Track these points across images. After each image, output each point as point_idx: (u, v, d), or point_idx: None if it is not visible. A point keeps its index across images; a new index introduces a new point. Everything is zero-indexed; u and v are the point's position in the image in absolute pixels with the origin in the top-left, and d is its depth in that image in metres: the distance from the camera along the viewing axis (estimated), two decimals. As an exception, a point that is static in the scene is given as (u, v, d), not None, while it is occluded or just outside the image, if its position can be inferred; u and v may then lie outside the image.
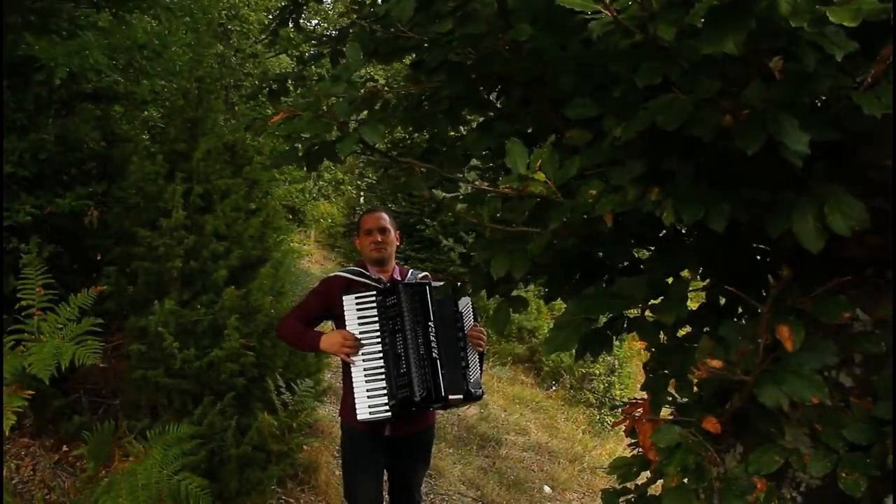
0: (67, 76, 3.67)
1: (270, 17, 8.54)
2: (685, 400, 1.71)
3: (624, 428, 1.75)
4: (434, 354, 2.81)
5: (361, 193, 12.66)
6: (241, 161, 4.25)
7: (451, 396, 2.84)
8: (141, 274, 3.70)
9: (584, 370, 7.74)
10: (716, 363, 1.30)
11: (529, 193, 1.16)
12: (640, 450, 1.73)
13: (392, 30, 1.70)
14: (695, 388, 1.64)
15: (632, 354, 8.32)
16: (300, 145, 1.97)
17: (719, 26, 0.92)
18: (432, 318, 2.85)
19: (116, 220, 3.95)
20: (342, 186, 15.26)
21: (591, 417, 7.39)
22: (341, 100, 1.45)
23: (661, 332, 1.69)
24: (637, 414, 1.71)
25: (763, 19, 0.94)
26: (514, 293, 1.81)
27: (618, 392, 7.76)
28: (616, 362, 7.79)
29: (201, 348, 3.57)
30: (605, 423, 7.36)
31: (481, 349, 3.02)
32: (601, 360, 7.54)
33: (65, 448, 3.66)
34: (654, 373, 1.70)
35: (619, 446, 6.78)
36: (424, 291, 2.88)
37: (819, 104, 1.30)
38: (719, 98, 1.03)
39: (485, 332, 3.04)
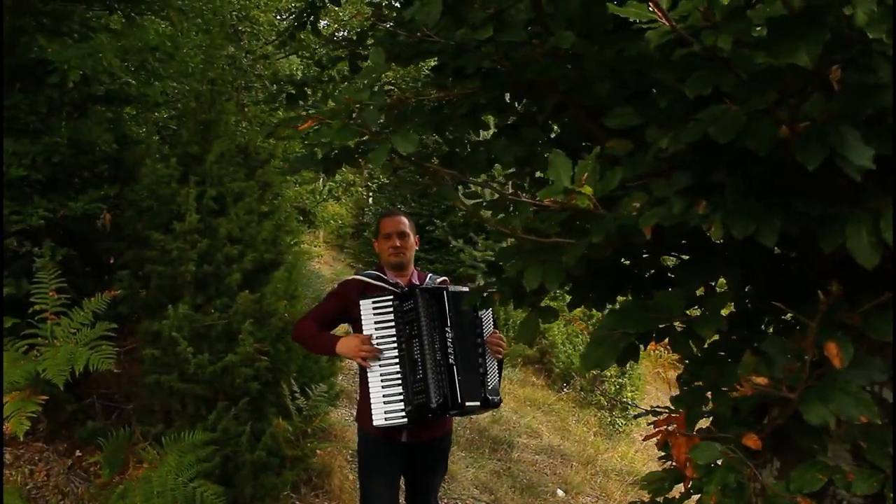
0: (80, 78, 3.64)
1: (279, 18, 8.50)
2: (710, 407, 1.67)
3: (656, 441, 1.70)
4: (451, 360, 2.76)
5: (370, 194, 12.63)
6: (254, 163, 4.21)
7: (467, 403, 2.79)
8: (154, 278, 3.67)
9: (594, 372, 7.68)
10: (761, 380, 1.26)
11: (574, 207, 1.12)
12: (673, 463, 1.69)
13: (418, 34, 1.66)
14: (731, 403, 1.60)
15: (642, 356, 8.26)
16: (318, 150, 1.93)
17: (790, 37, 0.88)
18: (449, 324, 2.80)
19: (129, 223, 3.92)
20: (352, 188, 15.23)
21: (602, 419, 7.34)
22: (371, 107, 1.41)
23: (692, 343, 1.65)
24: (671, 428, 1.66)
25: (832, 29, 0.89)
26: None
27: (629, 394, 7.71)
28: (627, 364, 7.73)
29: (215, 353, 3.54)
30: (617, 425, 7.31)
31: (500, 356, 2.97)
32: (612, 361, 7.47)
33: (78, 453, 3.64)
34: (688, 385, 1.66)
35: (631, 449, 6.74)
36: (442, 296, 2.83)
37: (866, 116, 1.25)
38: (775, 109, 0.99)
39: (504, 339, 2.99)
